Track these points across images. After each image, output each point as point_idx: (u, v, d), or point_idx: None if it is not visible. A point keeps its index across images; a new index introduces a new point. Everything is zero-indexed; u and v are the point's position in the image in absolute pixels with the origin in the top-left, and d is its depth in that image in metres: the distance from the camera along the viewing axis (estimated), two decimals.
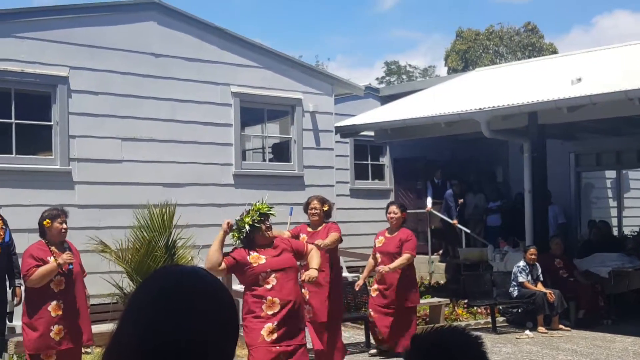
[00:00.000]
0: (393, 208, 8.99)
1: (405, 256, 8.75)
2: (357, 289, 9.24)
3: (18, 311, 7.21)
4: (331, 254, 7.82)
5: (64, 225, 6.60)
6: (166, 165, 10.52)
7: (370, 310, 9.12)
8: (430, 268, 14.61)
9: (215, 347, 1.43)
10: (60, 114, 9.71)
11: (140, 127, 10.35)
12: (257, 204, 6.55)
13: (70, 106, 9.78)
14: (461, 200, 14.79)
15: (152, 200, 9.38)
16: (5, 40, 9.40)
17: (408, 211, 15.33)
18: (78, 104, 9.85)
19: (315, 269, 6.53)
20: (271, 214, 6.53)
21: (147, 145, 10.40)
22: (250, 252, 6.35)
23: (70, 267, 6.56)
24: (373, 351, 9.14)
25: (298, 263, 6.59)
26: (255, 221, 6.38)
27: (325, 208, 7.95)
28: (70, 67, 9.80)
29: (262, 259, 6.29)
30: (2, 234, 7.17)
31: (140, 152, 10.32)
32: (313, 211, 7.90)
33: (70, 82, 9.80)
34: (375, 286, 9.00)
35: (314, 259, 6.62)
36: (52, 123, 9.74)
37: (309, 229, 7.92)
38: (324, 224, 7.91)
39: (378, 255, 8.95)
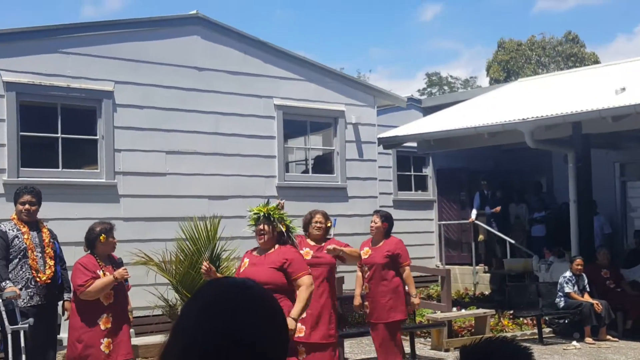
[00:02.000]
0: (374, 217, 8.54)
1: (407, 271, 8.41)
2: (357, 306, 8.54)
3: (64, 324, 7.30)
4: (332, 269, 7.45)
5: (115, 240, 6.69)
6: (210, 177, 10.60)
7: (368, 329, 8.62)
8: (475, 279, 14.45)
9: (262, 357, 1.42)
10: (106, 128, 9.85)
11: (184, 141, 10.45)
12: (269, 205, 6.52)
13: (115, 120, 9.92)
14: (497, 209, 14.57)
15: (196, 212, 9.45)
16: (52, 56, 9.58)
17: (452, 222, 15.46)
18: (123, 118, 9.98)
19: (294, 319, 5.92)
20: (274, 217, 6.40)
21: (191, 158, 10.49)
22: (250, 252, 6.43)
23: (127, 282, 6.63)
24: None
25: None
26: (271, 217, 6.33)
27: (328, 224, 7.76)
28: (115, 81, 9.95)
29: (245, 264, 6.32)
30: (52, 246, 7.26)
31: (184, 165, 10.41)
32: (318, 225, 7.71)
33: (115, 97, 9.94)
34: (366, 302, 8.47)
35: (299, 304, 6.02)
36: (97, 137, 9.89)
37: (311, 242, 7.55)
38: (327, 239, 7.75)
39: (366, 267, 8.44)
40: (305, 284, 6.08)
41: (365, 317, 8.62)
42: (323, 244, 7.55)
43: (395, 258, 8.40)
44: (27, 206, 7.00)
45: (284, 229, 6.37)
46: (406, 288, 8.56)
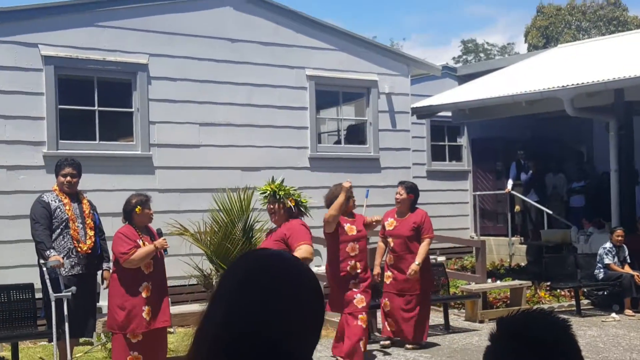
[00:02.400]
0: (399, 189, 8.51)
1: (426, 242, 8.39)
2: (377, 279, 8.45)
3: (103, 293, 7.43)
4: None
5: (152, 211, 6.80)
6: (243, 149, 10.64)
7: (385, 299, 8.56)
8: (511, 250, 14.36)
9: (299, 330, 1.44)
10: (141, 100, 9.92)
11: (217, 112, 10.49)
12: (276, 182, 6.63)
13: (150, 93, 9.99)
14: (532, 171, 14.36)
15: (229, 184, 9.51)
16: (88, 29, 9.65)
17: (487, 192, 15.33)
18: (157, 90, 10.04)
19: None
20: (280, 194, 6.57)
21: (224, 130, 10.53)
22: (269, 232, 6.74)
23: (166, 252, 6.74)
24: (386, 342, 8.64)
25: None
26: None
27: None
28: (149, 54, 9.99)
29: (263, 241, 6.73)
30: (91, 217, 7.38)
31: (217, 136, 10.46)
32: (354, 198, 7.89)
33: (150, 69, 9.99)
34: (389, 273, 8.53)
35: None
36: (132, 110, 9.97)
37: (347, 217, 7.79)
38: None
39: (390, 238, 8.47)
40: (301, 250, 6.17)
41: (383, 286, 8.62)
42: (355, 217, 7.72)
43: (420, 230, 8.43)
44: (68, 178, 7.13)
45: (292, 204, 6.50)
46: (432, 260, 8.67)
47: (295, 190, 6.72)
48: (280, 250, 1.57)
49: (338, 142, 12.67)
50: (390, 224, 8.52)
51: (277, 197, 6.56)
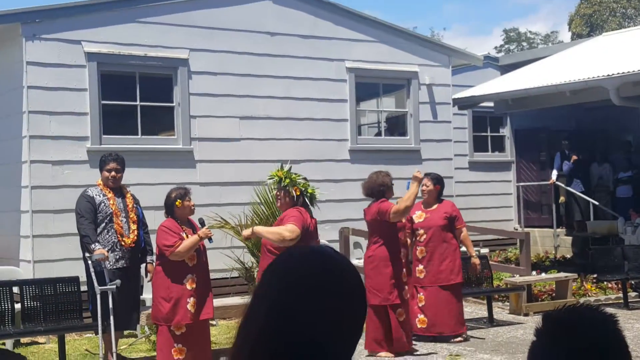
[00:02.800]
0: (425, 180, 8.44)
1: (465, 231, 8.52)
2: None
3: (147, 286, 7.52)
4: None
5: (192, 203, 6.86)
6: (283, 142, 10.66)
7: (419, 294, 8.41)
8: (556, 242, 14.15)
9: (342, 330, 1.42)
10: (182, 95, 10.00)
11: (257, 106, 10.52)
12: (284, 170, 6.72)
13: (190, 87, 10.06)
14: (574, 158, 14.08)
15: None
16: (130, 25, 9.76)
17: (531, 183, 15.13)
18: (198, 85, 10.11)
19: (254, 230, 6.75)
20: (285, 183, 6.67)
21: (265, 123, 10.56)
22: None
23: (210, 241, 6.80)
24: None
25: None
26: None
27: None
28: (190, 49, 10.06)
29: None
30: (135, 211, 7.46)
31: (257, 130, 10.50)
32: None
33: (190, 64, 10.07)
34: (420, 266, 8.40)
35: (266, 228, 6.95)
36: (174, 104, 10.06)
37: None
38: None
39: (421, 230, 8.40)
40: (283, 227, 6.46)
41: (414, 281, 8.45)
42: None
43: (452, 220, 8.44)
44: (113, 173, 7.25)
45: (296, 193, 6.57)
46: (475, 252, 8.68)
47: (303, 179, 6.77)
48: (323, 247, 1.55)
49: (378, 134, 12.62)
50: (418, 216, 8.49)
51: (282, 184, 6.64)
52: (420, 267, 8.41)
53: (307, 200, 6.62)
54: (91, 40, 9.47)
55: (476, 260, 8.63)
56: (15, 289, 7.44)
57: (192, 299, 6.75)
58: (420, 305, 8.41)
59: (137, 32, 9.77)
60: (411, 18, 67.12)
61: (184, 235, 6.70)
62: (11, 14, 9.22)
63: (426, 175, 8.62)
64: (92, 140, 9.41)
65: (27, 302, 7.40)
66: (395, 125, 12.48)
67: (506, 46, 41.82)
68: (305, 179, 6.86)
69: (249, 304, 1.47)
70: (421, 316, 8.38)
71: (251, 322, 1.43)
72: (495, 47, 41.24)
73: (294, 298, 1.40)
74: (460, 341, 8.31)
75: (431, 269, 8.37)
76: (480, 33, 65.54)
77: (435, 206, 8.49)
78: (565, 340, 1.47)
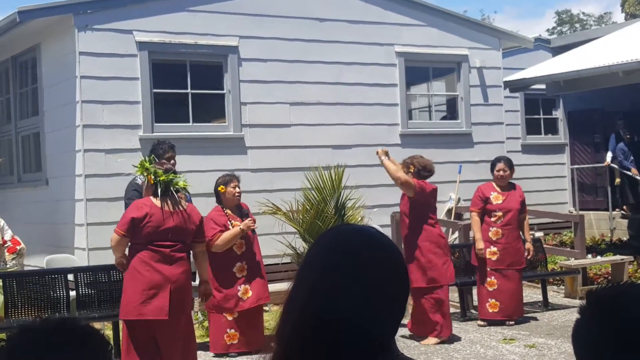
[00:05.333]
0: (501, 165, 8.48)
1: (527, 219, 8.57)
2: (484, 254, 8.22)
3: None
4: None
5: (237, 190, 6.90)
6: (333, 127, 10.66)
7: (490, 277, 8.29)
8: (611, 225, 13.87)
9: (384, 313, 1.42)
10: (232, 82, 10.07)
11: (307, 92, 10.53)
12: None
13: (240, 74, 10.12)
14: (627, 136, 13.74)
15: (320, 162, 9.58)
16: (180, 14, 9.85)
17: (586, 166, 14.85)
18: (248, 71, 10.17)
19: None
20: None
21: (314, 109, 10.57)
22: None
23: (254, 232, 6.85)
24: (482, 322, 8.41)
25: None
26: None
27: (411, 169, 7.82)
28: (239, 36, 10.12)
29: None
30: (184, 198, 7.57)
31: (308, 115, 10.52)
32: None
33: (240, 51, 10.12)
34: (494, 248, 8.27)
35: None
36: (224, 91, 10.14)
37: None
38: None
39: (499, 212, 8.30)
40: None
41: (481, 263, 8.39)
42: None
43: (524, 204, 8.44)
44: (172, 162, 7.37)
45: (151, 182, 6.07)
46: (530, 235, 8.67)
47: (157, 168, 6.13)
48: (365, 226, 1.54)
49: (429, 118, 12.53)
50: (496, 197, 8.43)
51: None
52: (494, 249, 8.32)
53: (159, 189, 5.98)
54: (142, 30, 9.59)
55: (530, 246, 8.55)
56: (70, 277, 7.58)
57: (242, 286, 6.82)
58: (490, 289, 8.30)
59: (187, 21, 9.86)
60: (461, 1, 66.16)
61: (230, 224, 6.74)
62: (64, 6, 9.39)
63: (500, 159, 8.65)
64: (144, 129, 9.54)
65: (82, 289, 7.54)
66: (446, 108, 12.37)
67: (558, 28, 40.95)
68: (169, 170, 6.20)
69: (292, 282, 1.47)
70: (492, 300, 8.29)
71: (294, 300, 1.43)
72: (547, 30, 40.44)
73: (334, 278, 1.40)
74: (512, 324, 8.26)
75: (507, 252, 8.31)
76: (531, 16, 64.32)
77: (512, 189, 8.51)
78: (608, 316, 1.46)
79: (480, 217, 8.40)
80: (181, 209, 5.92)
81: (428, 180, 7.82)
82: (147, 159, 6.26)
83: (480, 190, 8.53)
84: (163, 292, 5.78)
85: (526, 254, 8.44)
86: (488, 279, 8.32)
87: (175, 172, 6.48)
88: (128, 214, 5.94)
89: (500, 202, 8.38)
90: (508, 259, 8.29)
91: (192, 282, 7.78)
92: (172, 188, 5.94)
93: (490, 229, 8.34)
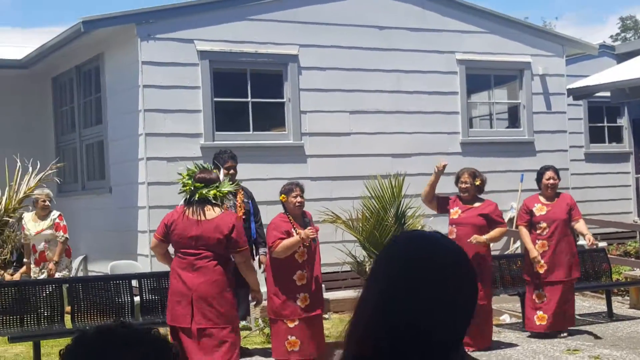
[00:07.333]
0: (550, 173, 8.26)
1: (583, 222, 8.28)
2: (536, 262, 8.04)
3: (260, 277, 7.65)
4: None
5: (298, 199, 6.90)
6: (393, 136, 10.60)
7: (538, 290, 8.12)
8: None
9: (452, 319, 1.42)
10: (292, 90, 10.11)
11: (366, 100, 10.51)
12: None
13: (300, 83, 10.16)
14: None
15: (380, 170, 9.54)
16: (241, 23, 9.95)
17: None
18: (307, 80, 10.20)
19: None
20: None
21: (374, 117, 10.54)
22: None
23: (315, 241, 6.85)
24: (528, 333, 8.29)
25: None
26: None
27: (477, 182, 7.73)
28: (299, 45, 10.16)
29: None
30: (242, 206, 7.62)
31: (367, 124, 10.49)
32: (463, 185, 7.82)
33: (300, 60, 10.16)
34: (542, 261, 8.06)
35: None
36: (284, 100, 10.18)
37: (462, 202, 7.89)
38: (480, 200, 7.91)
39: (544, 224, 8.10)
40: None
41: (530, 275, 8.22)
42: (474, 205, 7.76)
43: (570, 212, 8.21)
44: (232, 171, 7.50)
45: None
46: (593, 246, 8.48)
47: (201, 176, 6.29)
48: (432, 233, 1.53)
49: (490, 126, 12.36)
50: (539, 209, 8.22)
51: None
52: (541, 261, 8.17)
53: (193, 198, 6.16)
54: (203, 39, 9.71)
55: (591, 237, 8.11)
56: (134, 282, 7.71)
57: (302, 294, 6.82)
58: (539, 302, 8.15)
59: (247, 30, 9.95)
60: (522, 8, 65.26)
61: (294, 231, 6.76)
62: (126, 15, 9.58)
63: (550, 169, 8.43)
64: (206, 137, 9.65)
65: (146, 295, 7.66)
66: (508, 117, 12.20)
67: (622, 34, 40.07)
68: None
69: (362, 290, 1.49)
70: (540, 312, 8.13)
71: (365, 302, 1.45)
72: (611, 36, 39.54)
73: (400, 283, 1.41)
74: (565, 336, 8.07)
75: (555, 264, 8.10)
76: (593, 22, 63.07)
77: (557, 199, 8.29)
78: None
79: (529, 230, 8.25)
80: (206, 217, 6.04)
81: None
82: (202, 166, 6.47)
83: (524, 204, 8.46)
84: (185, 300, 6.01)
85: (589, 242, 8.07)
86: (535, 292, 8.17)
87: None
88: (163, 220, 6.26)
89: (544, 213, 8.19)
90: (556, 271, 8.10)
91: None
92: (195, 197, 6.10)
93: (537, 241, 8.16)
